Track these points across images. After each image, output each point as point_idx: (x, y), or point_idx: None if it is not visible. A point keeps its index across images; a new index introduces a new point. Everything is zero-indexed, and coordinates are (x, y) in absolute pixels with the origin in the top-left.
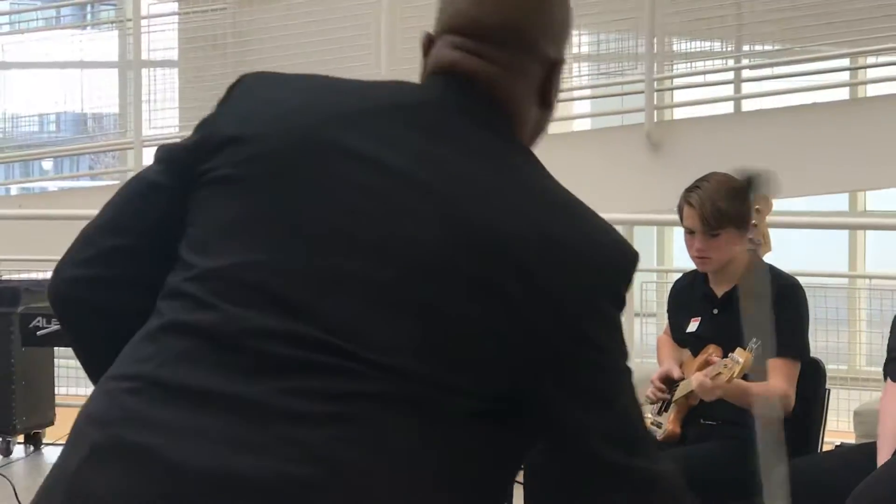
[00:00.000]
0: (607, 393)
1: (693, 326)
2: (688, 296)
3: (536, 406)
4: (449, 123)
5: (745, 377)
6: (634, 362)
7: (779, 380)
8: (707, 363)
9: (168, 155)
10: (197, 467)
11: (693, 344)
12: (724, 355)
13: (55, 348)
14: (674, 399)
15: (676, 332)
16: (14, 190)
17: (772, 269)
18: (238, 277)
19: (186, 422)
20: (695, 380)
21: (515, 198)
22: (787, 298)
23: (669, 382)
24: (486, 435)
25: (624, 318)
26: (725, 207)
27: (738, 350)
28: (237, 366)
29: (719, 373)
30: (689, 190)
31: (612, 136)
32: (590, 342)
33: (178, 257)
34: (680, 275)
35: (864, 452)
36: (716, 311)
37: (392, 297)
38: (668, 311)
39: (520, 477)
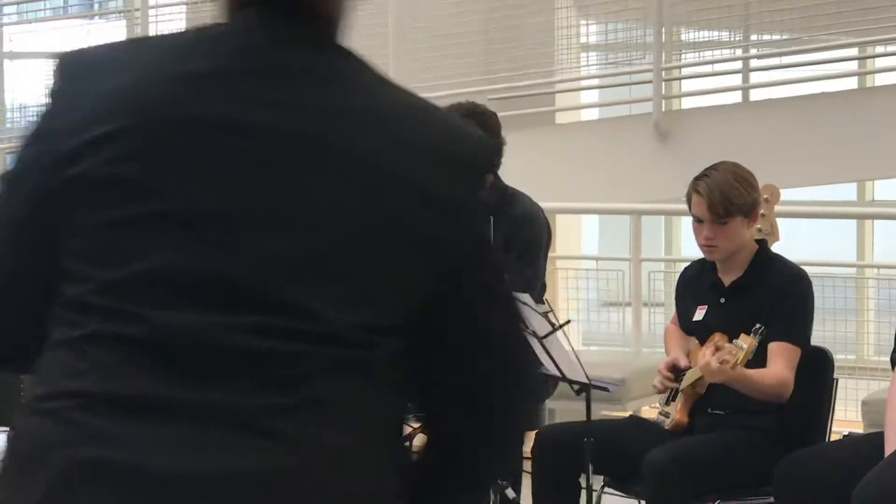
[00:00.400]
0: (501, 288)
1: (700, 315)
2: (695, 284)
3: (447, 321)
4: (292, 60)
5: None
6: (642, 352)
7: (779, 365)
8: (715, 350)
9: (15, 178)
10: (169, 473)
11: (700, 332)
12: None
13: None
14: (681, 388)
15: (684, 320)
16: None
17: (779, 259)
18: (157, 281)
19: (148, 431)
20: (700, 358)
21: (383, 122)
22: (793, 288)
23: (676, 372)
24: (411, 369)
25: (632, 308)
26: (733, 196)
27: (742, 336)
28: (183, 370)
29: (724, 359)
30: (697, 178)
31: (620, 126)
32: (483, 240)
33: (69, 269)
34: (687, 264)
35: (872, 443)
36: (723, 300)
37: (314, 264)
38: (675, 299)
39: (528, 450)
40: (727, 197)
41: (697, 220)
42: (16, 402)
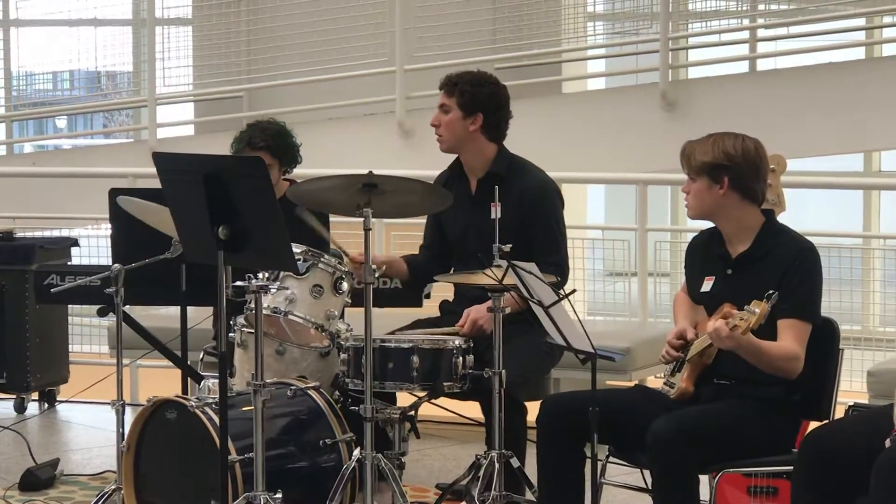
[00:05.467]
0: None
1: (707, 286)
2: (703, 255)
3: None
4: None
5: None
6: (648, 322)
7: (790, 340)
8: (725, 316)
9: None
10: None
11: (707, 304)
12: None
13: (69, 306)
14: (688, 357)
15: (692, 290)
16: (28, 148)
17: (787, 231)
18: None
19: None
20: (710, 326)
21: None
22: (802, 261)
23: (683, 342)
24: None
25: (637, 278)
26: (700, 155)
27: (755, 301)
28: None
29: (735, 325)
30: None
31: (626, 96)
32: None
33: None
34: (695, 234)
35: (888, 415)
36: (730, 272)
37: None
38: (685, 267)
39: (532, 420)
40: (694, 155)
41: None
42: (24, 366)
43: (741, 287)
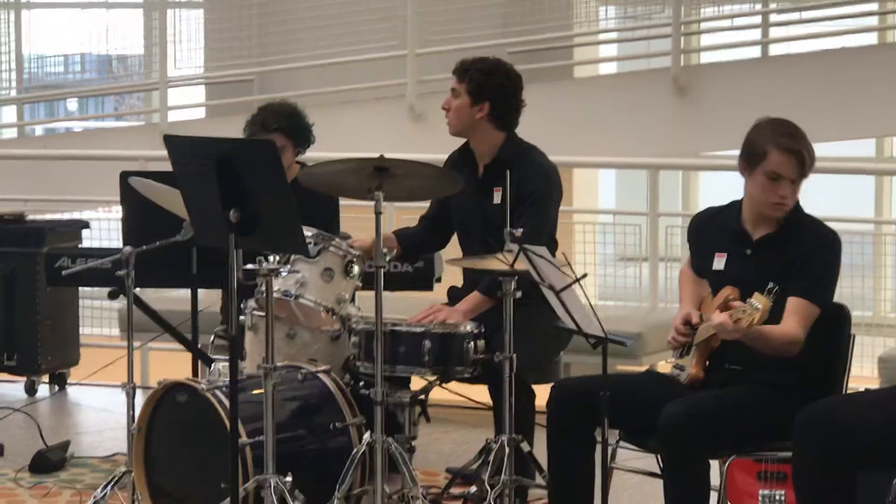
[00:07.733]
0: None
1: (719, 263)
2: (714, 230)
3: None
4: None
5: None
6: (658, 307)
7: (794, 322)
8: (727, 306)
9: None
10: None
11: (720, 282)
12: (742, 298)
13: (80, 288)
14: (695, 343)
15: (702, 265)
16: (39, 130)
17: (813, 219)
18: None
19: None
20: (716, 318)
21: None
22: (827, 247)
23: (688, 326)
24: None
25: (648, 263)
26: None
27: (756, 296)
28: None
29: (739, 318)
30: (779, 135)
31: (638, 80)
32: None
33: None
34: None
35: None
36: (749, 252)
37: None
38: (689, 240)
39: (541, 405)
40: (812, 155)
41: (773, 178)
42: (35, 348)
43: (761, 269)
